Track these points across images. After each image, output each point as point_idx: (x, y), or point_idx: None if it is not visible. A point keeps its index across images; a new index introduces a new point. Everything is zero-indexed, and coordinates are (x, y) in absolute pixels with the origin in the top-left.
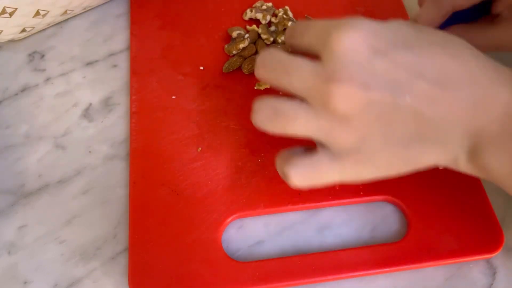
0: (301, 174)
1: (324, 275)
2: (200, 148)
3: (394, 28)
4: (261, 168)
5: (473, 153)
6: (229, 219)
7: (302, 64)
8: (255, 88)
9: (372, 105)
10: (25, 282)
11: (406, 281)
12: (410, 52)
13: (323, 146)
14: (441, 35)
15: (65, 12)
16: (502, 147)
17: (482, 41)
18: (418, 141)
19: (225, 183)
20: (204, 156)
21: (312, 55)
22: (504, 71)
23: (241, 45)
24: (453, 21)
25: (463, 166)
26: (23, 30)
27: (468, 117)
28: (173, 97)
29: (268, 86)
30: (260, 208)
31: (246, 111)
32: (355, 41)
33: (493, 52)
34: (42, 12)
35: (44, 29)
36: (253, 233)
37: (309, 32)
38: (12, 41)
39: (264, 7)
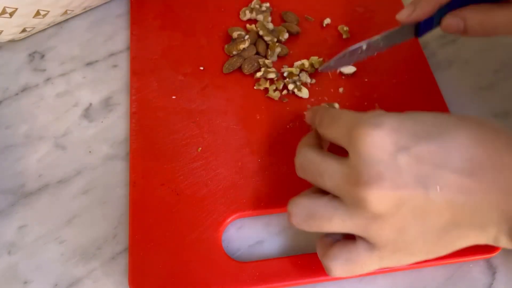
0: (342, 267)
1: (324, 275)
2: (200, 148)
3: (413, 119)
4: (261, 168)
5: None
6: (229, 219)
7: (332, 166)
8: (254, 88)
9: (405, 201)
10: (25, 282)
11: (406, 281)
12: (433, 142)
13: (360, 237)
14: (460, 117)
15: (65, 12)
16: None
17: (502, 20)
18: (454, 228)
19: (225, 183)
20: (204, 156)
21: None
22: None
23: (241, 46)
24: (465, 2)
25: (505, 244)
26: (23, 30)
27: (502, 200)
28: (173, 97)
29: (267, 86)
30: (260, 208)
31: (246, 111)
32: (377, 140)
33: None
34: (42, 12)
35: (44, 29)
36: (253, 233)
37: (334, 125)
38: (12, 41)
39: (263, 8)
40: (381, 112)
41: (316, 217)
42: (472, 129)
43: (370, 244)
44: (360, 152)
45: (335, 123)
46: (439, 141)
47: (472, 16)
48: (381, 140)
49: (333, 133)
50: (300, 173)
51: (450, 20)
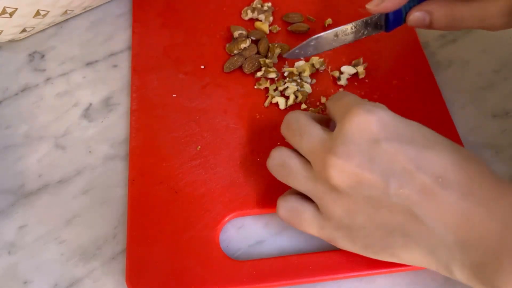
0: (286, 211)
1: (322, 275)
2: (199, 147)
3: (407, 124)
4: (259, 167)
5: (477, 268)
6: (226, 218)
7: (314, 131)
8: (255, 87)
9: (363, 186)
10: (25, 282)
11: (406, 281)
12: (414, 147)
13: (315, 202)
14: (450, 142)
15: (65, 12)
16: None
17: (466, 13)
18: (401, 235)
19: (223, 182)
20: (203, 154)
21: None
22: (503, 184)
23: (242, 45)
24: None
25: (460, 277)
26: (23, 30)
27: (460, 227)
28: (174, 95)
29: (268, 86)
30: (258, 207)
31: (246, 111)
32: (363, 124)
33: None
34: (42, 12)
35: (44, 29)
36: (253, 233)
37: (338, 102)
38: (12, 41)
39: (265, 7)
40: (383, 106)
41: (286, 168)
42: (456, 152)
43: (318, 212)
44: (344, 128)
45: (339, 100)
46: (420, 150)
47: (438, 9)
48: (368, 125)
49: (335, 108)
50: (283, 128)
51: (417, 14)
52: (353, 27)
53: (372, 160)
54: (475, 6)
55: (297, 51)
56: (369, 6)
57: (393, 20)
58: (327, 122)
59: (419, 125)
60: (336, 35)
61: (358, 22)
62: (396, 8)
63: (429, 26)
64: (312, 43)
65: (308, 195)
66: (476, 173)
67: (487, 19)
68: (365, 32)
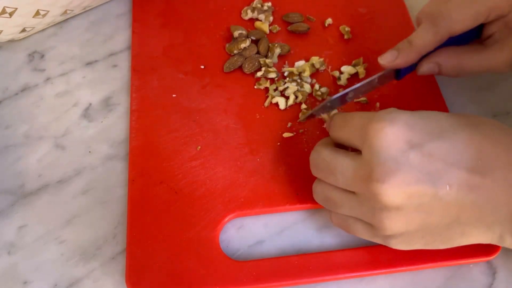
0: (338, 221)
1: (322, 275)
2: (199, 147)
3: (426, 117)
4: (260, 167)
5: None
6: (226, 218)
7: (344, 163)
8: (255, 87)
9: (413, 197)
10: (25, 282)
11: (406, 281)
12: (444, 140)
13: None
14: (472, 117)
15: (65, 12)
16: None
17: (474, 64)
18: (458, 225)
19: (223, 182)
20: (203, 154)
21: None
22: None
23: (242, 45)
24: (443, 44)
25: (510, 243)
26: (23, 30)
27: (511, 198)
28: (174, 95)
29: (268, 86)
30: (258, 207)
31: (246, 111)
32: (390, 136)
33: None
34: (42, 12)
35: (44, 29)
36: (253, 233)
37: (347, 126)
38: (12, 41)
39: (265, 7)
40: (394, 109)
41: (331, 202)
42: (482, 127)
43: (369, 225)
44: (373, 148)
45: (347, 124)
46: (451, 140)
47: (447, 61)
48: (395, 136)
49: (346, 133)
50: (313, 171)
51: (426, 66)
52: (366, 84)
53: (413, 170)
54: (483, 57)
55: (314, 112)
56: (381, 61)
57: (404, 71)
58: None
59: (433, 112)
60: (350, 96)
61: (371, 79)
62: (408, 65)
63: (439, 74)
64: (328, 104)
65: (357, 217)
66: (509, 138)
67: (494, 68)
68: (377, 85)
